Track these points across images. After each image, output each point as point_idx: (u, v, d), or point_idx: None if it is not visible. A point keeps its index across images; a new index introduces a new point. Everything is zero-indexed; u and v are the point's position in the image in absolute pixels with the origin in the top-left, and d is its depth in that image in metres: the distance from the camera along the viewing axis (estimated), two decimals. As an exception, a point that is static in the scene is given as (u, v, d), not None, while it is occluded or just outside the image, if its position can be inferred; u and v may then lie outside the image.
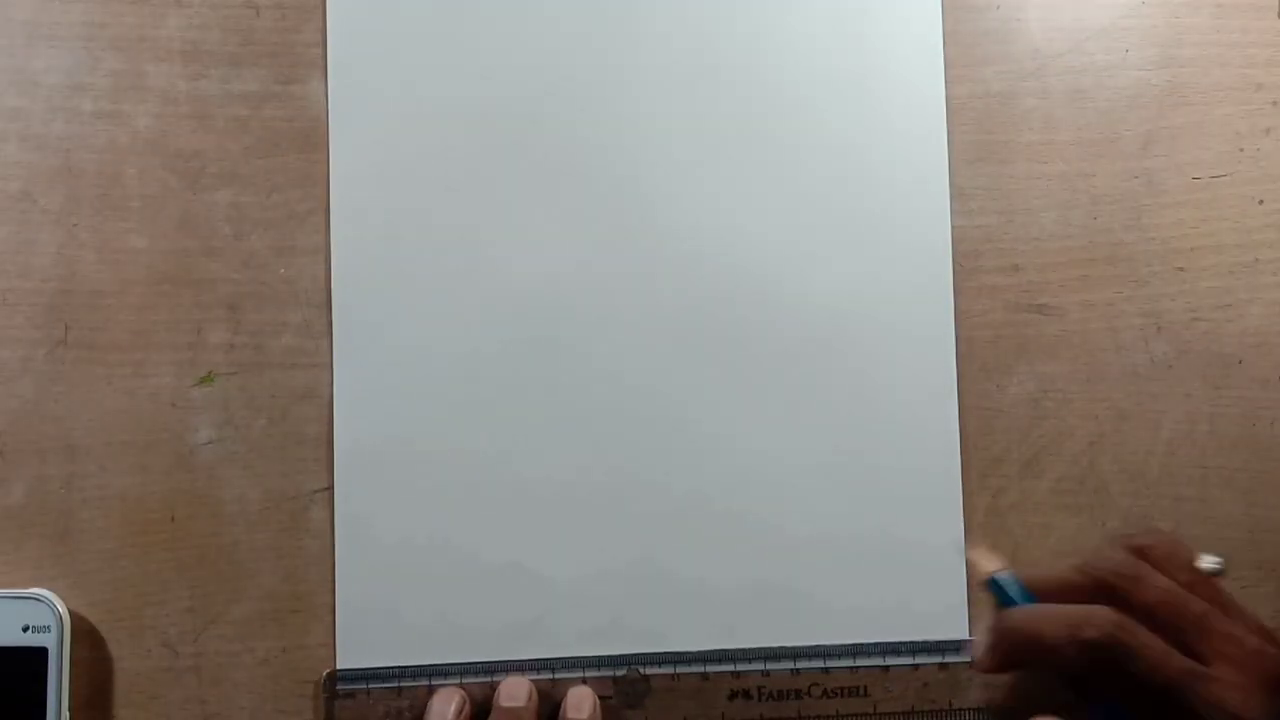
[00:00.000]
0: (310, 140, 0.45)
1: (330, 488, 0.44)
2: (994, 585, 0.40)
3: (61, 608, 0.42)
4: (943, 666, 0.44)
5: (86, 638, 0.43)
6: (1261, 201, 0.47)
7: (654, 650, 0.44)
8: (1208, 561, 0.40)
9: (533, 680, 0.43)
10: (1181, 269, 0.47)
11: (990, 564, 0.41)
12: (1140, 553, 0.39)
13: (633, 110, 0.45)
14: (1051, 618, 0.38)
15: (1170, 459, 0.46)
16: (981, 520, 0.45)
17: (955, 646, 0.44)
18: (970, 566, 0.41)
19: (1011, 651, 0.39)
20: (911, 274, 0.46)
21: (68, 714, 0.42)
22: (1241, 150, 0.47)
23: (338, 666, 0.43)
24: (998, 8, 0.47)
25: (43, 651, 0.41)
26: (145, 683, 0.43)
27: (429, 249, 0.45)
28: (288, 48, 0.45)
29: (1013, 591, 0.39)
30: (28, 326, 0.44)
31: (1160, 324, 0.46)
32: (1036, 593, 0.39)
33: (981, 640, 0.39)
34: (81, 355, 0.44)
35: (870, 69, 0.46)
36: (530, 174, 0.45)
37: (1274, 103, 0.47)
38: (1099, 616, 0.37)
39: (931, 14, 0.46)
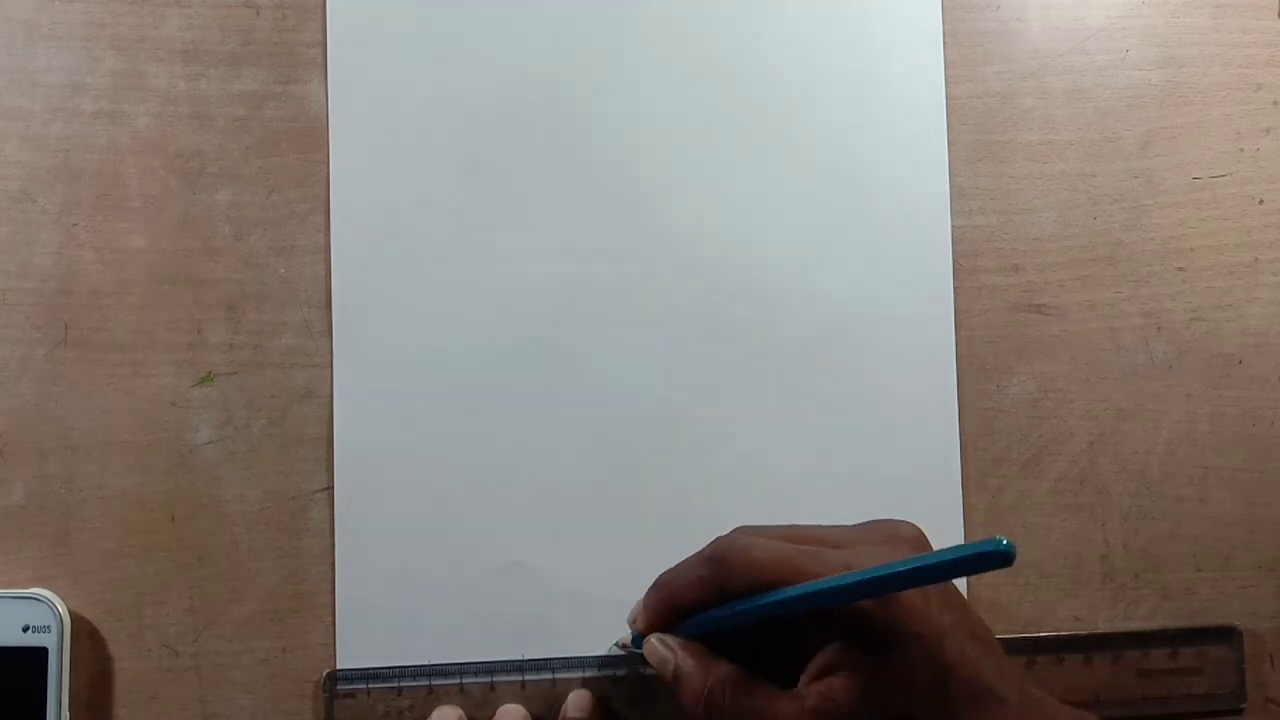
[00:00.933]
0: (310, 140, 0.45)
1: (330, 488, 0.44)
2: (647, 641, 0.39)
3: (61, 608, 0.42)
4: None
5: (86, 638, 0.43)
6: (1261, 201, 0.47)
7: (649, 673, 0.44)
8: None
9: (532, 680, 0.43)
10: (1181, 269, 0.47)
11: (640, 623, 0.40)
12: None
13: (633, 110, 0.45)
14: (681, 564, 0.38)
15: (1170, 459, 0.46)
16: (981, 520, 0.45)
17: None
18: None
19: (662, 602, 0.39)
20: (912, 274, 0.46)
21: (68, 714, 0.42)
22: (1241, 150, 0.47)
23: (338, 666, 0.43)
24: (998, 8, 0.47)
25: (43, 651, 0.41)
26: (145, 683, 0.43)
27: (429, 249, 0.45)
28: (288, 48, 0.45)
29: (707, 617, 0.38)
30: (28, 326, 0.44)
31: (1160, 324, 0.46)
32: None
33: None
34: (81, 355, 0.44)
35: (870, 69, 0.46)
36: (530, 173, 0.45)
37: (1274, 103, 0.47)
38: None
39: (931, 14, 0.46)
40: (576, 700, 0.43)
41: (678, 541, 0.44)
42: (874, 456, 0.45)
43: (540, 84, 0.45)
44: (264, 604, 0.44)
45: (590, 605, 0.44)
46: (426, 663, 0.43)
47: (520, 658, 0.44)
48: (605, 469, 0.45)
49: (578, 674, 0.44)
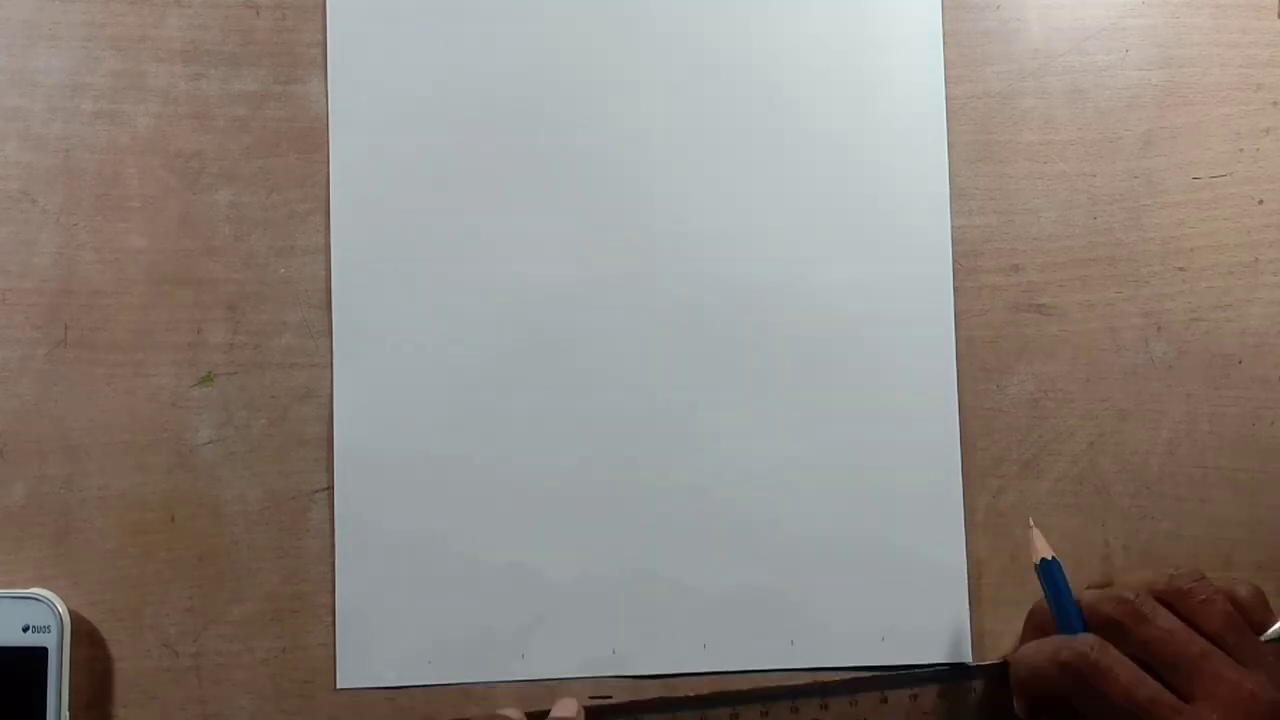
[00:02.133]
0: (310, 140, 0.45)
1: (330, 488, 0.44)
2: (1043, 569, 0.41)
3: (61, 608, 0.42)
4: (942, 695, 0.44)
5: (86, 638, 0.43)
6: (1261, 201, 0.47)
7: (649, 673, 0.44)
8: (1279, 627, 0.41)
9: (528, 682, 0.44)
10: (1181, 269, 0.47)
11: (1046, 550, 0.42)
12: (1176, 594, 0.40)
13: (633, 110, 0.45)
14: (1043, 645, 0.40)
15: (1170, 459, 0.46)
16: (981, 520, 0.45)
17: (956, 673, 0.44)
18: (1032, 546, 0.42)
19: (1021, 687, 0.41)
20: (912, 274, 0.46)
21: (67, 714, 0.42)
22: (1241, 150, 0.47)
23: (338, 667, 0.43)
24: (998, 8, 0.47)
25: (43, 651, 0.41)
26: (145, 683, 0.43)
27: (429, 249, 0.45)
28: (288, 48, 0.45)
29: (1058, 578, 0.41)
30: (28, 326, 0.44)
31: (1160, 324, 0.46)
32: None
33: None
34: (81, 355, 0.44)
35: (870, 69, 0.46)
36: (530, 174, 0.45)
37: (1274, 103, 0.47)
38: (1078, 641, 0.39)
39: (931, 14, 0.46)
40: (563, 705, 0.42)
41: (679, 542, 0.45)
42: (874, 456, 0.45)
43: (540, 84, 0.45)
44: (264, 604, 0.44)
45: (590, 605, 0.44)
46: (426, 662, 0.43)
47: (520, 658, 0.44)
48: (605, 469, 0.45)
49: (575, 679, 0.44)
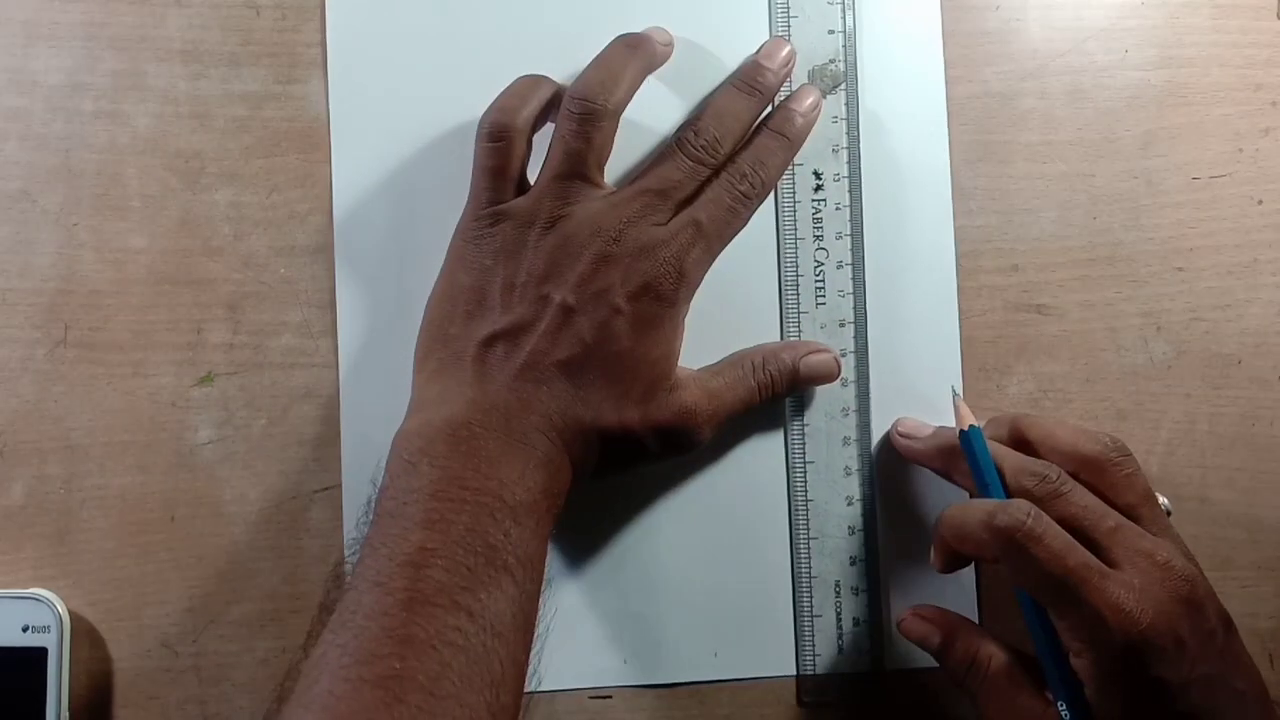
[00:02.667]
0: (310, 140, 0.45)
1: (337, 486, 0.44)
2: (964, 438, 0.41)
3: (61, 608, 0.42)
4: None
5: (86, 638, 0.43)
6: (1261, 201, 0.47)
7: (660, 682, 0.45)
8: (1165, 502, 0.42)
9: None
10: (1181, 269, 0.47)
11: (969, 419, 0.42)
12: (1094, 465, 0.40)
13: (632, 111, 0.45)
14: (972, 509, 0.40)
15: (1170, 459, 0.46)
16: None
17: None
18: (956, 415, 0.43)
19: (946, 545, 0.41)
20: (913, 275, 0.46)
21: (67, 714, 0.42)
22: (1241, 150, 0.47)
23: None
24: (998, 8, 0.47)
25: (42, 651, 0.41)
26: (145, 683, 0.43)
27: (429, 249, 0.44)
28: (288, 48, 0.45)
29: (978, 448, 0.41)
30: (28, 326, 0.44)
31: (1160, 324, 0.46)
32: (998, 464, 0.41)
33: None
34: (81, 355, 0.44)
35: (870, 69, 0.46)
36: (529, 173, 0.45)
37: (1273, 103, 0.47)
38: (1013, 506, 0.39)
39: (931, 14, 0.46)
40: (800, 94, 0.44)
41: (687, 549, 0.45)
42: (880, 457, 0.45)
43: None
44: (264, 604, 0.44)
45: (595, 610, 0.44)
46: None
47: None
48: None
49: (574, 687, 0.44)
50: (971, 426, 0.42)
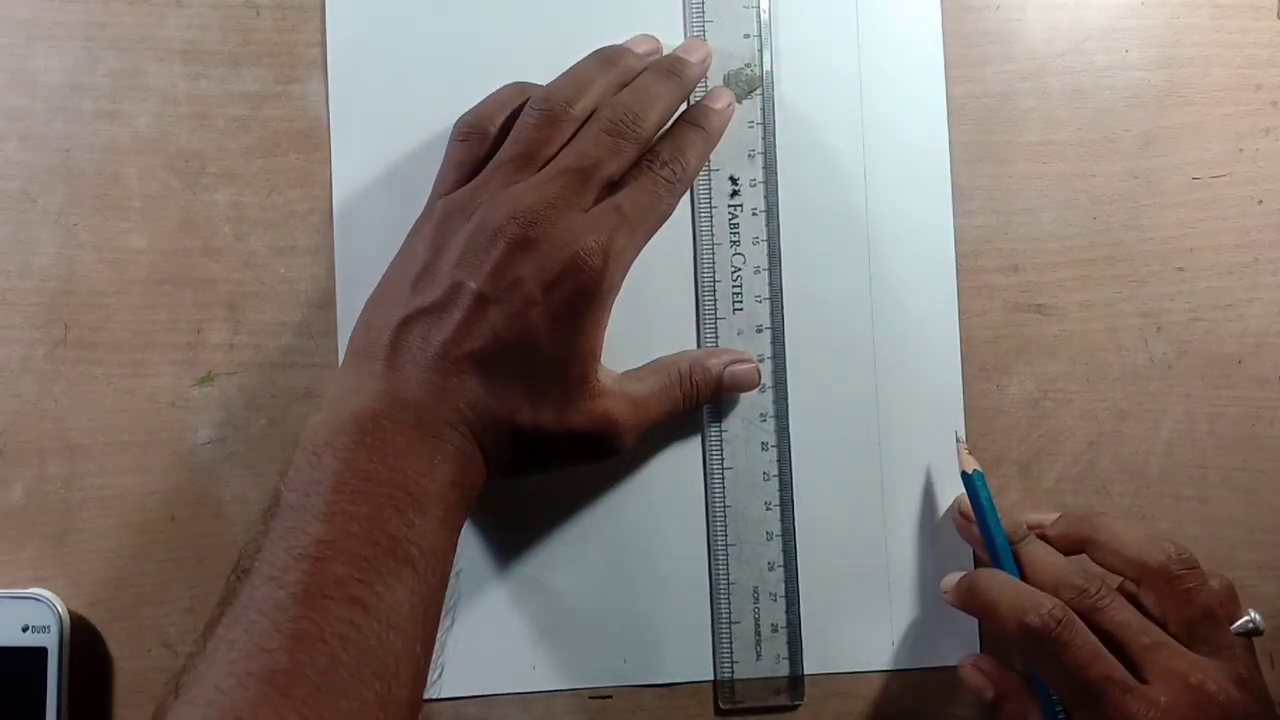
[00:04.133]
0: (310, 140, 0.45)
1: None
2: (967, 482, 0.42)
3: (61, 608, 0.42)
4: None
5: (86, 638, 0.43)
6: (1261, 201, 0.47)
7: (660, 681, 0.44)
8: (1248, 620, 0.41)
9: (528, 695, 0.43)
10: (1181, 269, 0.47)
11: (971, 464, 0.43)
12: (1157, 575, 0.40)
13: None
14: (1010, 592, 0.40)
15: (1170, 459, 0.46)
16: (981, 520, 0.45)
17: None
18: (959, 459, 0.43)
19: (967, 606, 0.42)
20: (914, 275, 0.46)
21: (67, 714, 0.42)
22: (1241, 150, 0.47)
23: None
24: (998, 8, 0.47)
25: (42, 651, 0.41)
26: (145, 683, 0.43)
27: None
28: (288, 48, 0.45)
29: (981, 494, 0.42)
30: (28, 326, 0.44)
31: (1160, 324, 0.46)
32: (1015, 536, 0.42)
33: (955, 577, 0.43)
34: (81, 355, 0.44)
35: (870, 69, 0.46)
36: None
37: (1274, 103, 0.47)
38: (1048, 605, 0.39)
39: (931, 14, 0.46)
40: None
41: (687, 550, 0.45)
42: (879, 457, 0.45)
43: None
44: (264, 604, 0.44)
45: (601, 616, 0.44)
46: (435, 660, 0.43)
47: (525, 660, 0.44)
48: (612, 473, 0.44)
49: (577, 687, 0.44)
50: (975, 471, 0.42)
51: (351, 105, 0.45)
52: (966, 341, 0.46)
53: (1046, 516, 0.44)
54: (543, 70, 0.43)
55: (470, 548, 0.44)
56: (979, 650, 0.45)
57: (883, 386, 0.45)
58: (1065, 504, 0.46)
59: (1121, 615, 0.39)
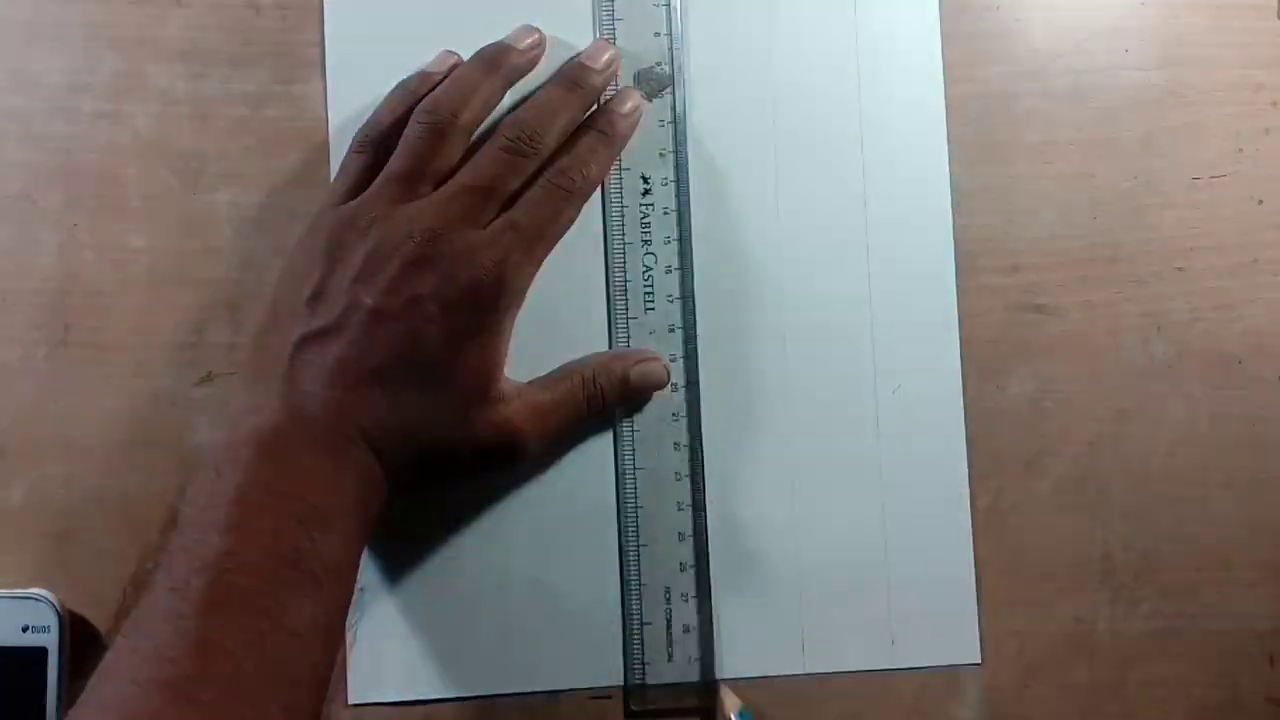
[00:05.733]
0: (310, 140, 0.45)
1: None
2: None
3: (61, 608, 0.42)
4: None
5: (86, 638, 0.43)
6: (1261, 201, 0.47)
7: (661, 681, 0.44)
8: None
9: (528, 696, 0.44)
10: (1181, 269, 0.47)
11: (733, 704, 0.43)
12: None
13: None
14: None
15: (1170, 459, 0.46)
16: (982, 521, 0.45)
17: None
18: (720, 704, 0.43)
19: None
20: (914, 276, 0.46)
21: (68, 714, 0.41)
22: (1241, 150, 0.47)
23: (349, 682, 0.43)
24: (998, 8, 0.47)
25: (42, 651, 0.41)
26: (145, 683, 0.43)
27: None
28: (288, 48, 0.45)
29: None
30: (28, 326, 0.44)
31: (1160, 324, 0.46)
32: None
33: None
34: (81, 355, 0.44)
35: (869, 70, 0.46)
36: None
37: (1274, 103, 0.47)
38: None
39: (929, 14, 0.46)
40: (620, 96, 0.44)
41: (686, 551, 0.45)
42: (879, 459, 0.45)
43: (537, 82, 0.45)
44: (264, 604, 0.44)
45: (603, 617, 0.44)
46: (438, 661, 0.43)
47: (529, 661, 0.44)
48: (605, 470, 0.45)
49: (578, 688, 0.44)
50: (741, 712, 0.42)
51: (351, 105, 0.45)
52: (966, 342, 0.46)
53: None
54: (540, 71, 0.43)
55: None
56: (979, 661, 0.45)
57: (882, 386, 0.45)
58: (1065, 504, 0.46)
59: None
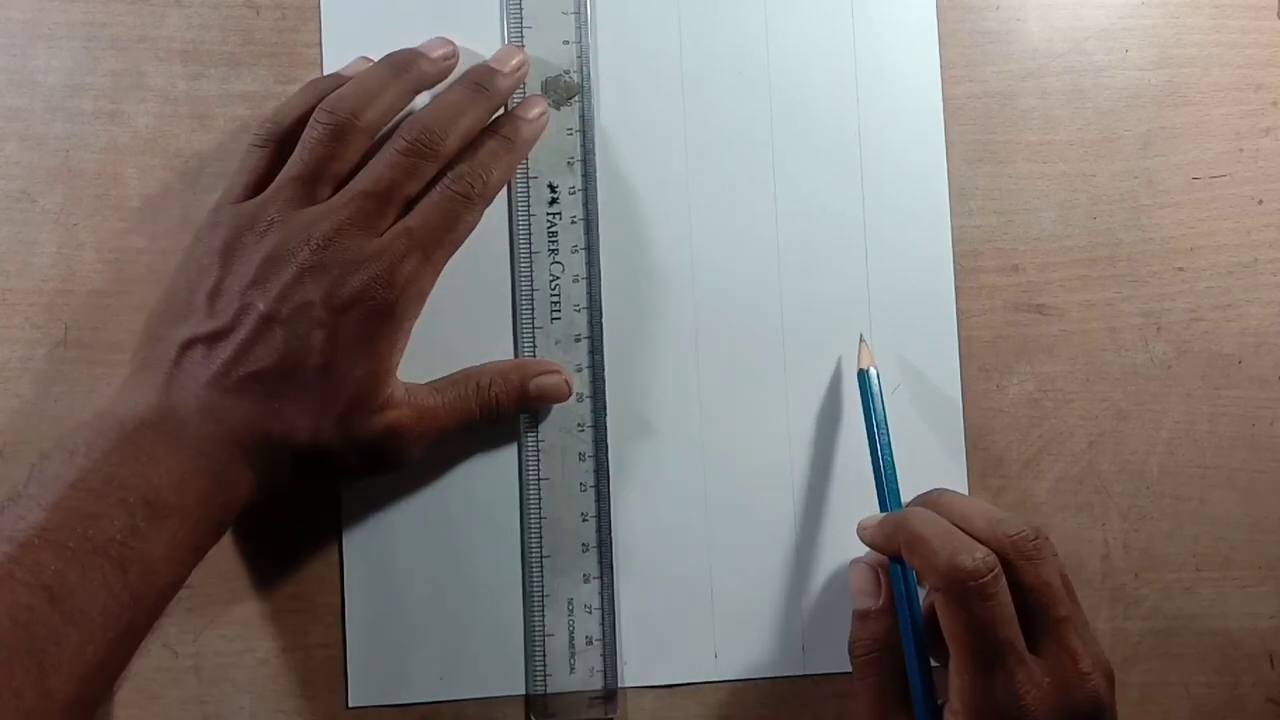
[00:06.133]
0: (310, 140, 0.45)
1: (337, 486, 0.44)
2: (861, 378, 0.43)
3: (61, 608, 0.42)
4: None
5: (86, 638, 0.43)
6: (1261, 201, 0.47)
7: (661, 683, 0.44)
8: None
9: (541, 695, 0.44)
10: (1181, 269, 0.47)
11: (868, 362, 0.43)
12: (1014, 547, 0.39)
13: (629, 112, 0.45)
14: (943, 530, 0.39)
15: (1170, 459, 0.46)
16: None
17: None
18: (859, 355, 0.44)
19: (890, 540, 0.41)
20: (913, 276, 0.46)
21: (67, 714, 0.42)
22: (1241, 150, 0.47)
23: (349, 684, 0.43)
24: (997, 8, 0.47)
25: (42, 651, 0.41)
26: (145, 683, 0.43)
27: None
28: (288, 48, 0.45)
29: (875, 392, 0.43)
30: (28, 326, 0.44)
31: (1160, 324, 0.46)
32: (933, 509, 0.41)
33: (877, 516, 0.42)
34: (81, 355, 0.44)
35: (866, 70, 0.46)
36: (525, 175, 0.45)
37: (1274, 103, 0.47)
38: (983, 551, 0.38)
39: (926, 14, 0.46)
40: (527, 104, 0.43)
41: (688, 551, 0.45)
42: (612, 471, 0.45)
43: (535, 85, 0.45)
44: (264, 604, 0.44)
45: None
46: (436, 663, 0.43)
47: (530, 663, 0.44)
48: (611, 476, 0.45)
49: (579, 690, 0.44)
50: (869, 369, 0.43)
51: (351, 105, 0.44)
52: (966, 341, 0.46)
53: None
54: (537, 71, 0.43)
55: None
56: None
57: (885, 386, 0.45)
58: (1065, 504, 0.46)
59: (1049, 575, 0.38)
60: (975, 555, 0.37)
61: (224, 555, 0.43)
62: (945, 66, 0.46)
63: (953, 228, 0.46)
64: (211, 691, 0.43)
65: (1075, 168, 0.46)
